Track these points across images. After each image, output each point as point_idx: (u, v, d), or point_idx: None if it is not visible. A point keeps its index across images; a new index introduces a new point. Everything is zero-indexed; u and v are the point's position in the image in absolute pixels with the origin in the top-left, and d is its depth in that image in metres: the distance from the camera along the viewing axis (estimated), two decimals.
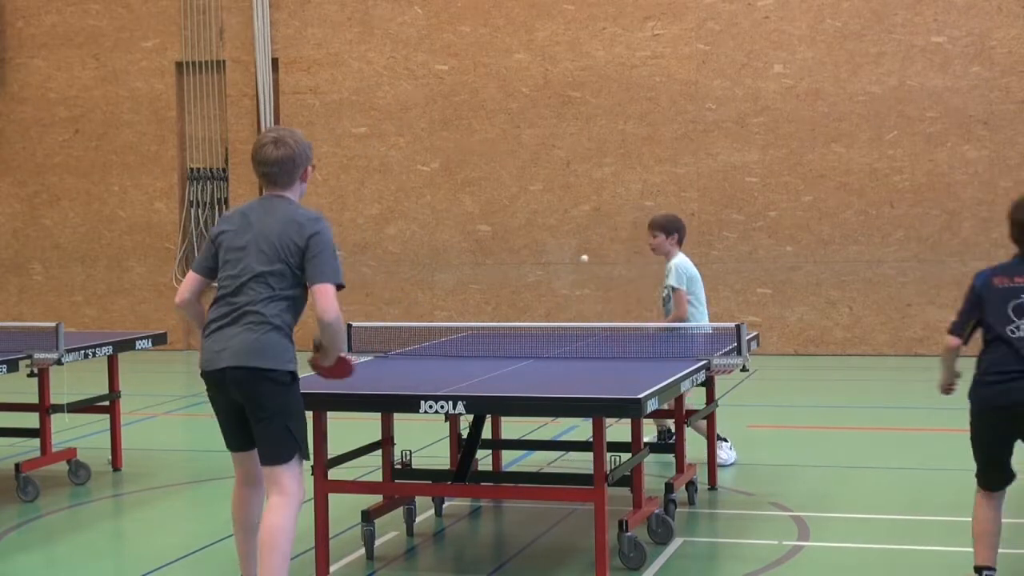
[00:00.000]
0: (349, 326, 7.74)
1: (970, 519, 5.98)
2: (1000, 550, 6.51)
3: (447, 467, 7.71)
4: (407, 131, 16.68)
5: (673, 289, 8.97)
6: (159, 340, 9.57)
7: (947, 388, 6.06)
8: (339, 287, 5.42)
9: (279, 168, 5.55)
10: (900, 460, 9.27)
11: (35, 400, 8.76)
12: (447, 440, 7.87)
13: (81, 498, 8.55)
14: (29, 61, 17.77)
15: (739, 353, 7.40)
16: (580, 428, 9.87)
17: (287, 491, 5.37)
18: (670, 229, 9.16)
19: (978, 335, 5.97)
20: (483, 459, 8.07)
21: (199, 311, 5.68)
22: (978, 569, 5.85)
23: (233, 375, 5.38)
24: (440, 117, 16.56)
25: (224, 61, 17.24)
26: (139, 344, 9.27)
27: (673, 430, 8.13)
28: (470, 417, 7.00)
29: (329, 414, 6.47)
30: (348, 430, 7.42)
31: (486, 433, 7.60)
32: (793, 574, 6.51)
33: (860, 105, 15.43)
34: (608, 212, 16.07)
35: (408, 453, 7.40)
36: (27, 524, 7.86)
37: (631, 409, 5.94)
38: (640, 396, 5.85)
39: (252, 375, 5.36)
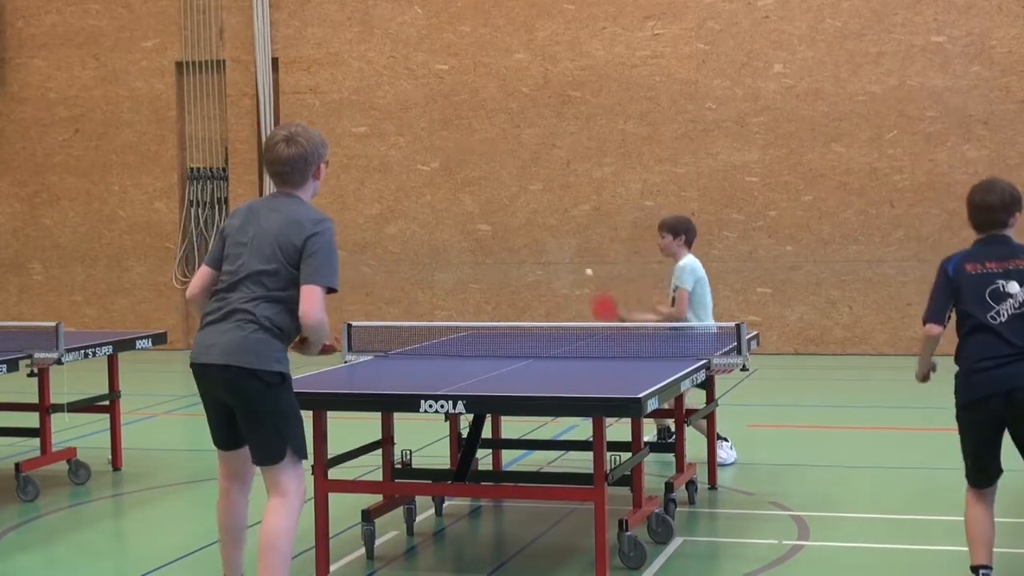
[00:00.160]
0: (349, 326, 7.74)
1: None
2: (1000, 550, 6.52)
3: (447, 467, 7.71)
4: (407, 131, 16.68)
5: (676, 288, 8.98)
6: (159, 340, 9.57)
7: (925, 377, 6.02)
8: (330, 290, 5.36)
9: (291, 167, 5.47)
10: (900, 460, 9.27)
11: (35, 400, 8.76)
12: (447, 440, 7.87)
13: (81, 498, 8.55)
14: (29, 61, 17.77)
15: (739, 353, 7.40)
16: (580, 428, 9.87)
17: (285, 491, 5.35)
18: (678, 230, 9.18)
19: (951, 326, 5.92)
20: (483, 459, 8.06)
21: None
22: (975, 569, 5.83)
23: (221, 373, 5.36)
24: (440, 117, 16.56)
25: (224, 61, 17.24)
26: (139, 344, 9.27)
27: (673, 429, 8.13)
28: (470, 417, 7.00)
29: (329, 414, 6.47)
30: (348, 430, 7.42)
31: (486, 433, 7.60)
32: (793, 574, 6.51)
33: (860, 105, 15.43)
34: (608, 212, 16.07)
35: (408, 453, 7.40)
36: (27, 524, 7.86)
37: (631, 409, 5.94)
38: (640, 396, 5.85)
39: (238, 374, 5.32)
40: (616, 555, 6.44)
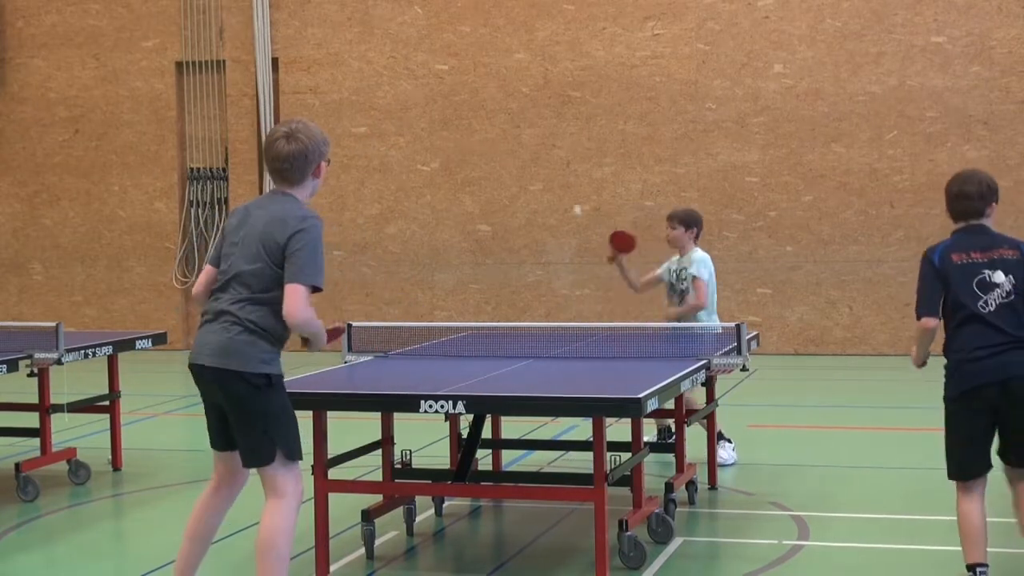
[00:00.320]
0: (349, 326, 7.73)
1: None
2: (999, 550, 6.53)
3: (447, 467, 7.71)
4: (407, 131, 16.68)
5: (694, 278, 8.98)
6: (159, 340, 9.57)
7: (924, 362, 6.03)
8: (315, 289, 5.29)
9: (290, 164, 5.40)
10: (900, 460, 9.27)
11: (35, 400, 8.76)
12: (447, 440, 7.87)
13: (81, 498, 8.55)
14: (29, 61, 17.77)
15: (739, 353, 7.40)
16: (580, 428, 9.87)
17: (280, 492, 5.33)
18: (690, 223, 9.21)
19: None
20: (483, 459, 8.06)
21: None
22: (971, 567, 5.81)
23: (211, 375, 5.35)
24: (440, 117, 16.56)
25: (224, 61, 17.24)
26: (139, 344, 9.27)
27: (673, 429, 8.13)
28: (470, 417, 7.00)
29: (329, 414, 6.47)
30: (348, 430, 7.42)
31: (486, 433, 7.60)
32: (793, 574, 6.51)
33: (860, 105, 15.43)
34: (608, 212, 16.06)
35: (408, 453, 7.40)
36: (27, 524, 7.86)
37: (631, 409, 5.94)
38: (640, 396, 5.85)
39: (224, 376, 5.31)
40: (616, 555, 6.44)
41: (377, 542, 6.86)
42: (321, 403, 6.27)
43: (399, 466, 7.32)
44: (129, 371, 10.33)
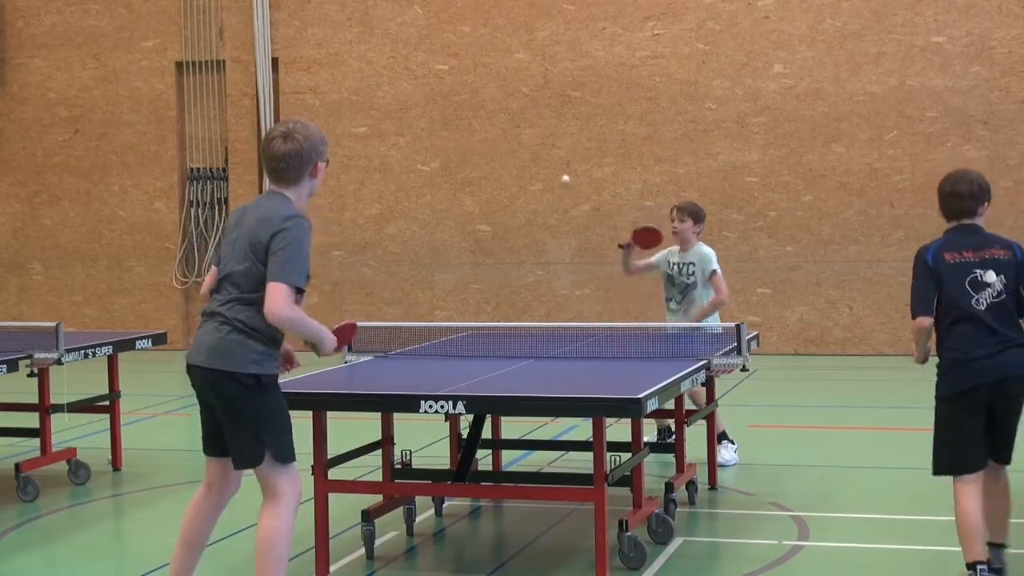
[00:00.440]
0: (354, 326, 7.72)
1: None
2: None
3: (447, 467, 7.71)
4: (407, 131, 16.68)
5: (712, 274, 9.01)
6: (159, 340, 9.58)
7: (926, 359, 6.12)
8: (299, 291, 5.22)
9: (285, 164, 5.37)
10: (900, 460, 9.26)
11: (35, 400, 8.76)
12: (447, 440, 7.87)
13: (81, 498, 8.55)
14: (29, 61, 17.77)
15: (739, 353, 7.40)
16: (580, 428, 9.87)
17: (277, 494, 5.31)
18: (698, 217, 9.25)
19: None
20: (483, 459, 8.06)
21: None
22: (971, 566, 5.82)
23: (203, 375, 5.35)
24: (440, 117, 16.56)
25: (224, 61, 17.24)
26: (139, 344, 9.28)
27: (673, 428, 8.13)
28: (470, 417, 7.00)
29: (329, 414, 6.47)
30: (348, 430, 7.42)
31: (486, 433, 7.60)
32: (793, 574, 6.51)
33: (860, 105, 15.43)
34: (608, 212, 16.07)
35: (408, 453, 7.40)
36: (27, 524, 7.87)
37: (631, 409, 5.94)
38: (640, 396, 5.85)
39: (214, 376, 5.30)
40: (616, 555, 6.44)
41: (377, 542, 6.86)
42: (321, 403, 6.27)
43: (399, 466, 7.32)
44: (129, 371, 10.33)
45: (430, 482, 7.42)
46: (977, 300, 5.91)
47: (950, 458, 5.94)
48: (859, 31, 15.45)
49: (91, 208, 17.68)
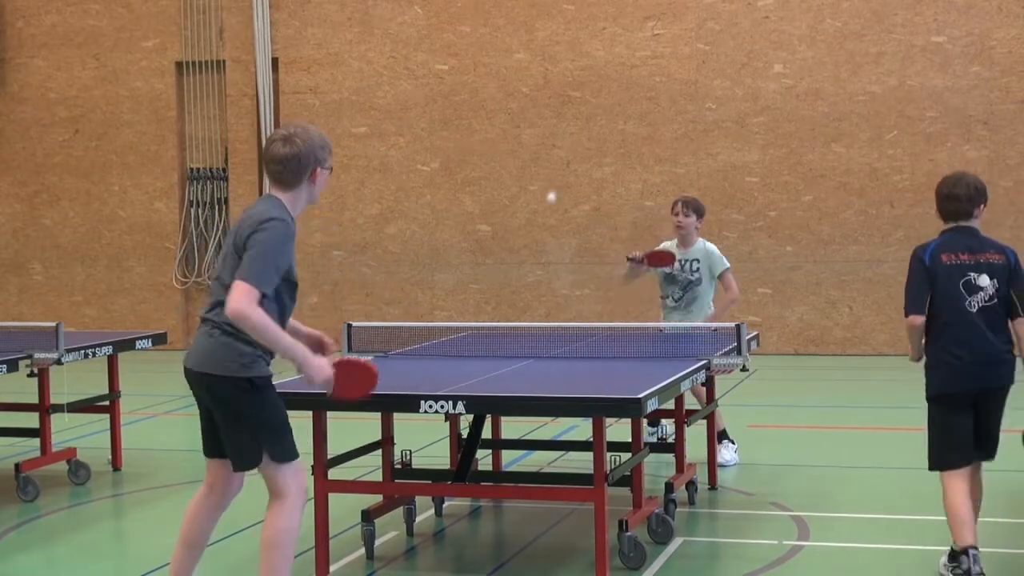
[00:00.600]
0: (349, 326, 7.73)
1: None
2: (1000, 550, 6.54)
3: (447, 467, 7.71)
4: (407, 131, 16.68)
5: (727, 271, 9.08)
6: (159, 340, 9.58)
7: (920, 357, 6.27)
8: (263, 294, 5.10)
9: (282, 167, 5.33)
10: (900, 460, 9.26)
11: (35, 400, 8.76)
12: (447, 440, 7.87)
13: (81, 498, 8.55)
14: (29, 61, 17.77)
15: (739, 353, 7.40)
16: (580, 428, 9.87)
17: (281, 493, 5.30)
18: (701, 213, 9.29)
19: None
20: (483, 459, 8.06)
21: None
22: (963, 550, 5.92)
23: (195, 378, 5.36)
24: (440, 117, 16.56)
25: (224, 61, 17.24)
26: (139, 344, 9.28)
27: (661, 422, 8.15)
28: (470, 417, 7.00)
29: (329, 414, 6.47)
30: (348, 430, 7.42)
31: (486, 433, 7.60)
32: (793, 574, 6.51)
33: (860, 105, 15.43)
34: (608, 212, 16.07)
35: (408, 453, 7.40)
36: (27, 524, 7.86)
37: (631, 409, 5.94)
38: (640, 396, 5.85)
39: (205, 379, 5.30)
40: (616, 555, 6.44)
41: (377, 542, 6.86)
42: (321, 403, 6.27)
43: (399, 466, 7.32)
44: (129, 371, 10.33)
45: (430, 482, 7.42)
46: (970, 303, 6.05)
47: (939, 455, 6.11)
48: (859, 31, 15.45)
49: (91, 208, 17.68)
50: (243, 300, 5.04)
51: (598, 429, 6.09)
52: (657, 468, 8.52)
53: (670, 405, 7.57)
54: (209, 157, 17.44)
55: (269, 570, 5.27)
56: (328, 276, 16.72)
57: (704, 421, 8.53)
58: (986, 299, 6.06)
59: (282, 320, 5.35)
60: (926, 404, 6.25)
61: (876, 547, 6.98)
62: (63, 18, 17.65)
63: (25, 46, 17.77)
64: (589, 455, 6.52)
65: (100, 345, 8.88)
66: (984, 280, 6.06)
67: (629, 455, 6.86)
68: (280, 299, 5.30)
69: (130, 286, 17.60)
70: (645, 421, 9.18)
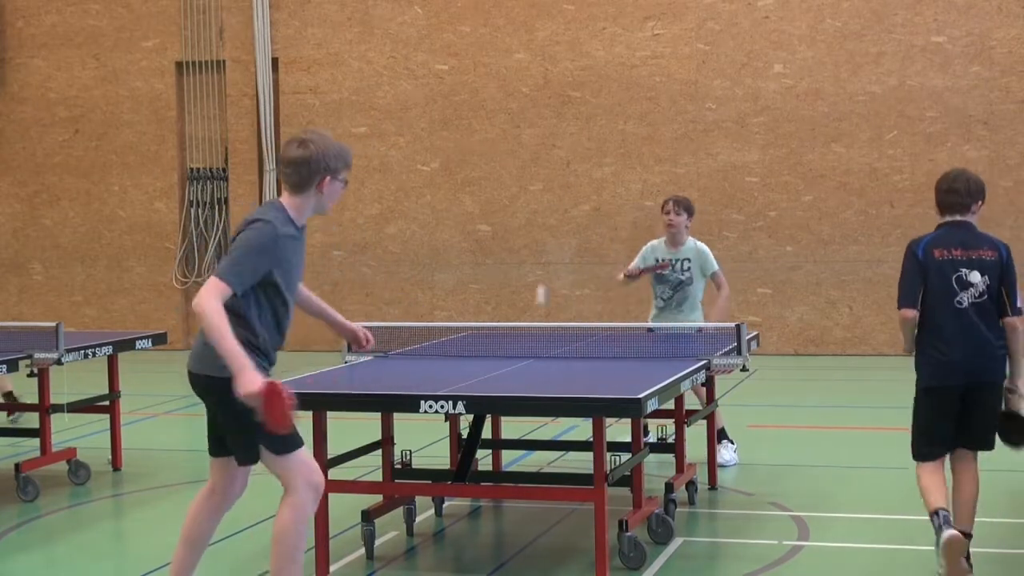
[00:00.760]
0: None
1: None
2: (1000, 550, 6.55)
3: (447, 467, 7.71)
4: (407, 131, 16.68)
5: (714, 273, 9.09)
6: (159, 340, 9.58)
7: (912, 351, 6.37)
8: (234, 292, 5.10)
9: (292, 169, 5.31)
10: (900, 460, 9.21)
11: (35, 400, 8.76)
12: (447, 440, 7.87)
13: (81, 498, 8.55)
14: (29, 61, 17.77)
15: (739, 353, 7.40)
16: (580, 428, 9.87)
17: (289, 488, 5.30)
18: (691, 212, 9.26)
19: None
20: (483, 459, 8.06)
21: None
22: (935, 512, 6.07)
23: (192, 379, 5.39)
24: (440, 117, 16.56)
25: (224, 61, 17.25)
26: (139, 344, 9.28)
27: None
28: (470, 417, 7.00)
29: (329, 414, 6.47)
30: (348, 430, 7.42)
31: (486, 433, 7.60)
32: (793, 574, 6.51)
33: (860, 105, 15.43)
34: (608, 212, 16.07)
35: (408, 453, 7.40)
36: (27, 524, 7.86)
37: (631, 409, 5.94)
38: (640, 396, 5.85)
39: (201, 381, 5.33)
40: (616, 555, 6.44)
41: (377, 542, 6.86)
42: (321, 403, 6.27)
43: (399, 466, 7.32)
44: (129, 371, 10.33)
45: (430, 482, 7.42)
46: (960, 298, 6.13)
47: (917, 447, 6.31)
48: (859, 31, 15.45)
49: (91, 208, 17.68)
50: (205, 295, 5.05)
51: (598, 429, 6.09)
52: (657, 468, 8.52)
53: (670, 405, 7.56)
54: (209, 157, 17.44)
55: (275, 563, 5.28)
56: (328, 276, 16.72)
57: (704, 421, 8.53)
58: (977, 295, 6.14)
59: (280, 327, 5.34)
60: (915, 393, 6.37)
61: (876, 547, 6.98)
62: (63, 18, 17.65)
63: (25, 46, 17.77)
64: (589, 455, 6.52)
65: (100, 345, 8.88)
66: (975, 276, 6.14)
67: (629, 455, 6.86)
68: (271, 304, 5.29)
69: (130, 286, 17.61)
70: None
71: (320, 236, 16.58)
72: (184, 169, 17.53)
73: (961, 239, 6.21)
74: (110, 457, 9.24)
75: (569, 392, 6.36)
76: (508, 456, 8.86)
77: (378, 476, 7.46)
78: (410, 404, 6.10)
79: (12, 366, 8.12)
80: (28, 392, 8.82)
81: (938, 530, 6.00)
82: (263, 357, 5.32)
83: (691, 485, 7.91)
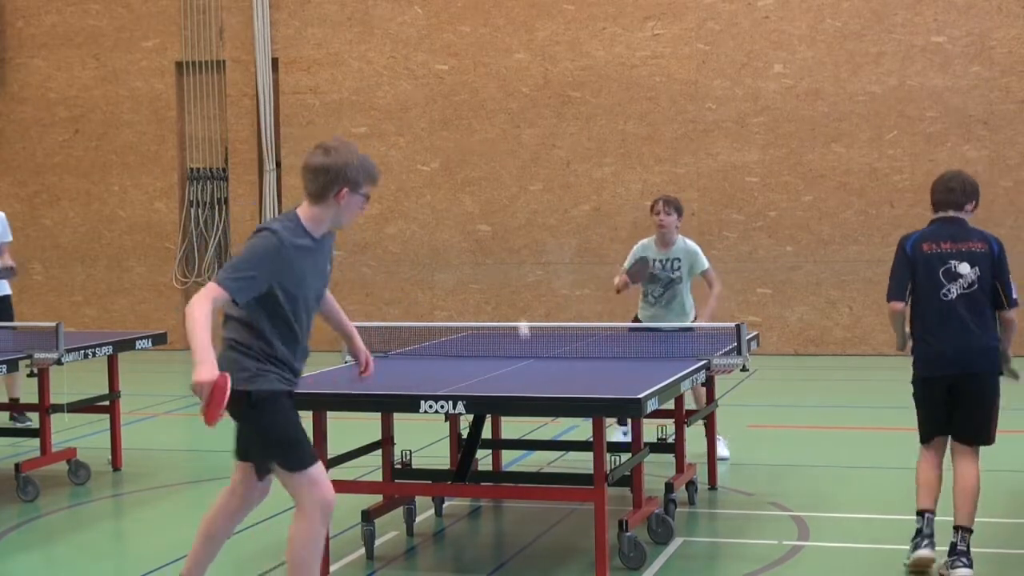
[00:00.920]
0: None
1: None
2: (1000, 550, 6.55)
3: (447, 467, 7.71)
4: (407, 131, 16.68)
5: (705, 271, 9.17)
6: (159, 340, 9.57)
7: (904, 346, 6.52)
8: (233, 298, 5.04)
9: (310, 175, 5.19)
10: (900, 460, 9.24)
11: (35, 400, 8.76)
12: (447, 440, 7.87)
13: (81, 498, 8.55)
14: (29, 61, 17.77)
15: (739, 353, 7.40)
16: (580, 428, 9.87)
17: (299, 504, 5.25)
18: (681, 212, 9.31)
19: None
20: (483, 459, 8.06)
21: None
22: (921, 512, 6.29)
23: None
24: (440, 117, 16.56)
25: (224, 61, 17.25)
26: (139, 344, 9.27)
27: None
28: (470, 417, 7.00)
29: (329, 414, 6.47)
30: (348, 430, 7.42)
31: (486, 433, 7.60)
32: (793, 574, 6.51)
33: (860, 105, 15.43)
34: (608, 212, 16.07)
35: (408, 453, 7.40)
36: (27, 524, 7.86)
37: (631, 409, 5.94)
38: (640, 396, 5.85)
39: None
40: (616, 555, 6.44)
41: (377, 542, 6.86)
42: (321, 403, 6.27)
43: (399, 466, 7.32)
44: (129, 371, 10.32)
45: (430, 482, 7.42)
46: (948, 290, 6.23)
47: (920, 428, 6.45)
48: (859, 31, 15.45)
49: (91, 208, 17.68)
50: (198, 296, 5.01)
51: (598, 429, 6.09)
52: (657, 468, 8.52)
53: (670, 405, 7.56)
54: (209, 157, 17.44)
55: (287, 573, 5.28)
56: None
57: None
58: (966, 286, 6.23)
59: (294, 336, 5.24)
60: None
61: (876, 547, 6.98)
62: (63, 18, 17.65)
63: (25, 46, 17.77)
64: (589, 455, 6.52)
65: (100, 345, 8.88)
66: (964, 268, 6.23)
67: (629, 455, 6.86)
68: (281, 315, 5.20)
69: (130, 286, 17.61)
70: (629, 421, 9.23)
71: None
72: (184, 169, 17.53)
73: (951, 232, 6.32)
74: (110, 457, 9.24)
75: (569, 392, 6.37)
76: (508, 456, 8.86)
77: (378, 476, 7.46)
78: (410, 404, 6.10)
79: (12, 366, 8.12)
80: (28, 392, 8.81)
81: (916, 535, 6.26)
82: (284, 368, 5.24)
83: (691, 485, 7.91)
